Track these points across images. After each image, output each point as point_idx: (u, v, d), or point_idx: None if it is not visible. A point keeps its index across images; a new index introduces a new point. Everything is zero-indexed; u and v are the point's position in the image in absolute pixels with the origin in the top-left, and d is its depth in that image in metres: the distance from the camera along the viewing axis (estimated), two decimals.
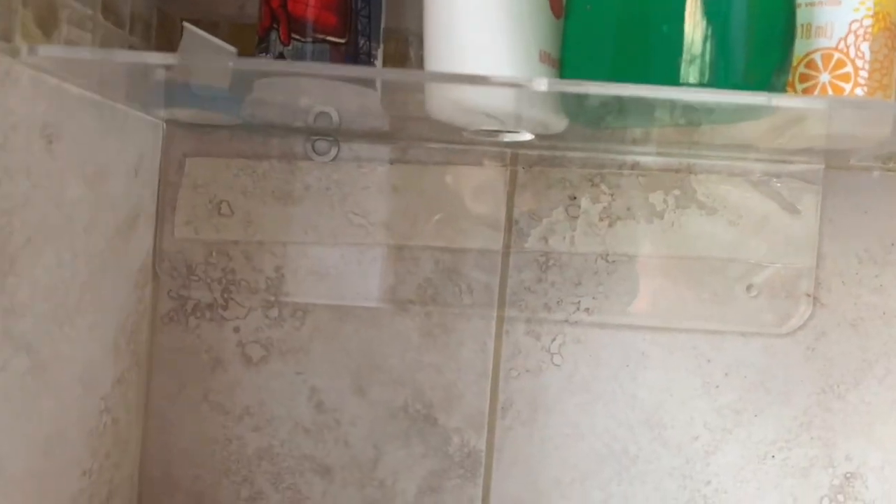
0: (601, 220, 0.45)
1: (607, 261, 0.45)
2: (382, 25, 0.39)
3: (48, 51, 0.29)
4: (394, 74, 0.38)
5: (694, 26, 0.30)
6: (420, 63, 0.34)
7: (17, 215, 0.31)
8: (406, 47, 0.44)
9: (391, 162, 0.44)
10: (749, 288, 0.44)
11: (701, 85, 0.29)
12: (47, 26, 0.31)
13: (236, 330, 0.45)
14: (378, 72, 0.37)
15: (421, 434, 0.45)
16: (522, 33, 0.33)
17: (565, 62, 0.34)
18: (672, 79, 0.30)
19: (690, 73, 0.30)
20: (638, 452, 0.45)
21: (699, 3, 0.30)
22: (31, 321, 0.32)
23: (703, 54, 0.30)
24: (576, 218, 0.45)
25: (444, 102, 0.34)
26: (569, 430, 0.45)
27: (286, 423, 0.45)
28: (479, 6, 0.32)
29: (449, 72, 0.32)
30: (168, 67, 0.39)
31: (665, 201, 0.44)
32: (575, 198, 0.44)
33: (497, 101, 0.34)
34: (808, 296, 0.44)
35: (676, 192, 0.44)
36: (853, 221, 0.44)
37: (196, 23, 0.44)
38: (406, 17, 0.42)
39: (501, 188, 0.44)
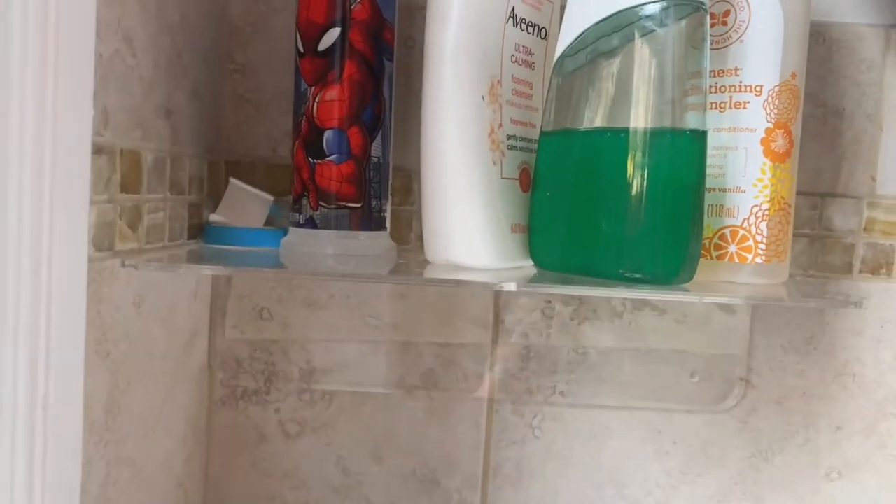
0: (572, 319, 0.54)
1: (577, 353, 0.54)
2: (390, 181, 0.48)
3: (144, 266, 0.39)
4: (394, 280, 0.48)
5: (622, 223, 0.39)
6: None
7: (121, 371, 0.41)
8: (410, 181, 0.53)
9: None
10: (692, 374, 0.54)
11: (632, 271, 0.39)
12: (134, 223, 0.41)
13: (277, 411, 0.55)
14: (384, 277, 0.47)
15: (427, 493, 0.55)
16: (496, 214, 0.42)
17: (532, 230, 0.43)
18: (612, 262, 0.40)
19: (623, 260, 0.39)
20: None
21: (626, 205, 0.39)
22: (131, 442, 0.43)
23: (631, 244, 0.39)
24: (551, 318, 0.54)
25: (440, 259, 0.44)
26: (548, 489, 0.55)
27: (318, 484, 0.56)
28: (463, 197, 0.41)
29: (437, 277, 0.41)
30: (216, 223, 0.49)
31: (624, 304, 0.54)
32: (550, 302, 0.54)
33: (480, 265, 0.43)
34: (742, 379, 0.54)
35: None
36: (779, 319, 0.54)
37: (236, 164, 0.54)
38: (409, 157, 0.51)
39: (489, 296, 0.54)
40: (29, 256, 0.31)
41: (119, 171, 0.39)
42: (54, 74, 0.32)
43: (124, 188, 0.40)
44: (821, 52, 0.52)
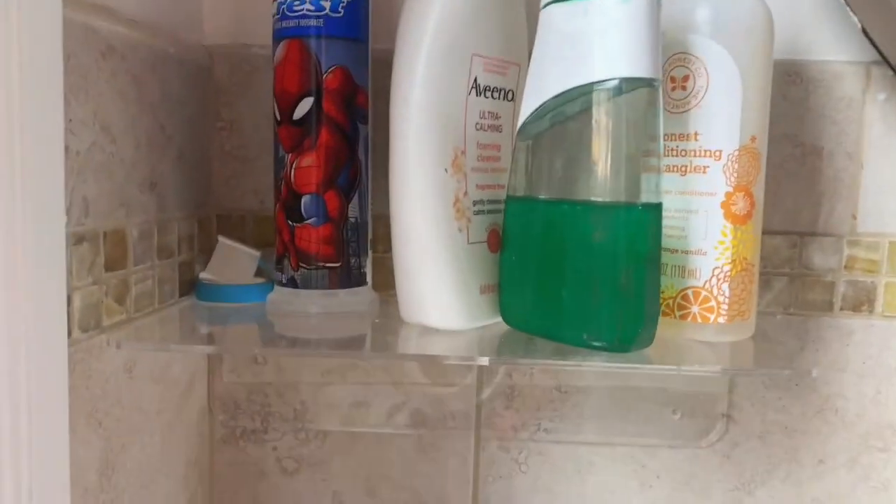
0: (550, 350, 0.56)
1: (560, 391, 0.56)
2: (369, 237, 0.50)
3: (129, 345, 0.41)
4: (373, 357, 0.51)
5: (581, 292, 0.40)
6: None
7: (114, 435, 0.44)
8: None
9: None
10: (674, 411, 0.56)
11: (592, 339, 0.40)
12: (122, 297, 0.44)
13: (274, 449, 0.58)
14: (364, 355, 0.49)
15: None
16: (464, 278, 0.44)
17: (501, 289, 0.45)
18: (574, 329, 0.41)
19: (583, 327, 0.40)
20: None
21: (584, 275, 0.40)
22: (128, 496, 0.46)
23: (589, 313, 0.40)
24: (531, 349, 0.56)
25: (413, 321, 0.46)
26: None
27: None
28: (430, 265, 0.43)
29: (411, 353, 0.43)
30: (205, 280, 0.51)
31: None
32: (532, 339, 0.55)
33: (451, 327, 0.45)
34: (723, 415, 0.55)
35: None
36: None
37: (227, 217, 0.56)
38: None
39: (473, 339, 0.56)
40: (7, 350, 0.34)
41: (103, 252, 0.42)
42: (21, 177, 0.34)
43: (109, 267, 0.42)
44: (798, 91, 0.52)
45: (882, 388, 0.54)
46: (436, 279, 0.43)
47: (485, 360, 0.41)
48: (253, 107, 0.55)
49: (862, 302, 0.53)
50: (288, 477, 0.58)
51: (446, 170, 0.42)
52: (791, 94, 0.52)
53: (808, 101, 0.52)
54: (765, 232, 0.53)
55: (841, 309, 0.54)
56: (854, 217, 0.53)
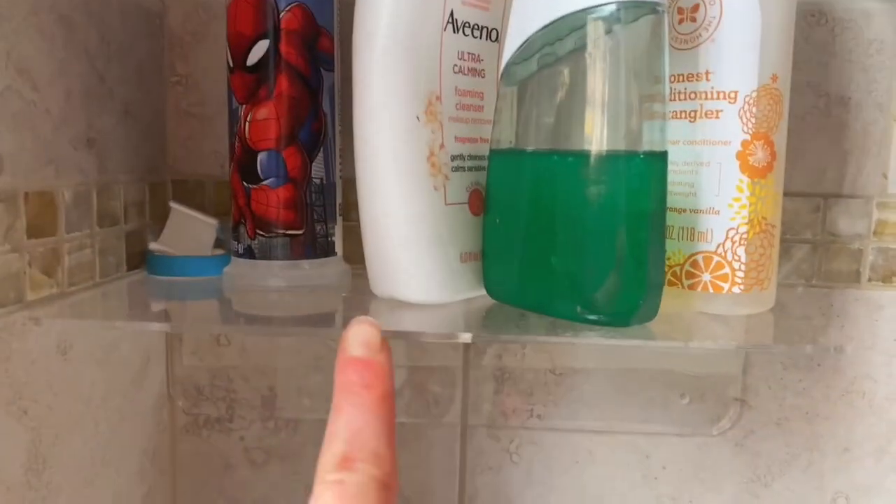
0: (540, 324, 0.50)
1: (555, 374, 0.50)
2: (339, 201, 0.44)
3: (53, 323, 0.36)
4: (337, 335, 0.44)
5: (573, 258, 0.34)
6: None
7: (45, 426, 0.38)
8: None
9: None
10: (682, 395, 0.50)
11: (588, 311, 0.34)
12: (51, 268, 0.38)
13: (242, 439, 0.53)
14: (327, 333, 0.43)
15: None
16: (442, 245, 0.38)
17: (484, 257, 0.39)
18: (567, 301, 0.35)
19: (577, 299, 0.35)
20: None
21: (577, 238, 0.34)
22: (65, 494, 0.40)
23: (583, 281, 0.34)
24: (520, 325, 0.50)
25: (385, 295, 0.40)
26: None
27: None
28: (403, 230, 0.37)
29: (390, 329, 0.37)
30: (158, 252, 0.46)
31: None
32: (524, 316, 0.50)
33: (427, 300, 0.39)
34: (737, 400, 0.50)
35: None
36: None
37: (183, 183, 0.50)
38: None
39: (459, 316, 0.50)
40: None
41: (24, 216, 0.36)
42: None
43: (33, 233, 0.37)
44: (823, 34, 0.46)
45: None
46: (409, 246, 0.37)
47: (467, 337, 0.35)
48: (211, 59, 0.50)
49: (893, 272, 0.48)
50: (257, 469, 0.53)
51: (418, 118, 0.36)
52: (814, 36, 0.46)
53: (833, 44, 0.46)
54: (784, 194, 0.47)
55: (869, 280, 0.48)
56: (885, 176, 0.47)
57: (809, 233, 0.48)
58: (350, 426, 0.23)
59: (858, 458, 0.50)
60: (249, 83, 0.41)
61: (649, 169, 0.33)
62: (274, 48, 0.41)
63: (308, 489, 0.51)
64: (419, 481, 0.52)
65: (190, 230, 0.47)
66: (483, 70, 0.40)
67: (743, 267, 0.37)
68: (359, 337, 0.26)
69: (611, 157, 0.33)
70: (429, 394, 0.51)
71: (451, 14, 0.37)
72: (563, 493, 0.51)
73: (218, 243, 0.48)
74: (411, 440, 0.52)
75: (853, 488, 0.50)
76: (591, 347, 0.50)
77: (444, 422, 0.51)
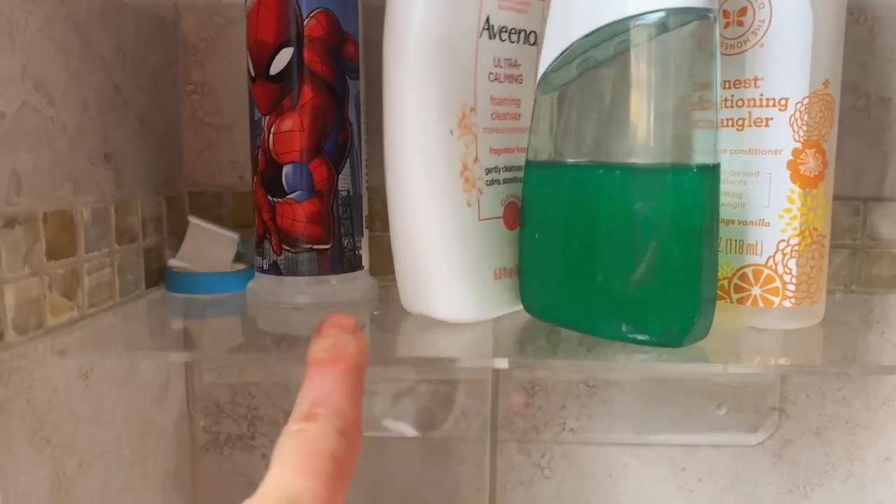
0: (580, 345, 0.49)
1: (588, 385, 0.49)
2: (365, 214, 0.43)
3: (77, 353, 0.34)
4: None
5: (619, 275, 0.33)
6: None
7: (68, 454, 0.37)
8: None
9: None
10: (719, 405, 0.49)
11: (635, 331, 0.33)
12: (71, 290, 0.37)
13: (263, 456, 0.51)
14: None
15: None
16: (475, 261, 0.36)
17: (521, 271, 0.38)
18: (611, 320, 0.34)
19: (623, 318, 0.33)
20: None
21: (623, 255, 0.33)
22: None
23: (630, 300, 0.33)
24: (557, 344, 0.49)
25: (416, 311, 0.39)
26: None
27: None
28: (435, 246, 0.36)
29: (422, 356, 0.36)
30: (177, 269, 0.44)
31: None
32: (558, 332, 0.49)
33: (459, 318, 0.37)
34: (775, 409, 0.48)
35: None
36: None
37: (200, 195, 0.49)
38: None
39: (488, 325, 0.49)
40: None
41: (44, 237, 0.35)
42: None
43: (53, 255, 0.35)
44: (862, 32, 0.45)
45: None
46: (441, 263, 0.36)
47: (503, 363, 0.34)
48: (227, 66, 0.48)
49: None
50: None
51: (452, 131, 0.34)
52: (854, 34, 0.45)
53: (873, 43, 0.45)
54: None
55: None
56: None
57: (849, 237, 0.46)
58: (317, 391, 0.24)
59: None
60: (272, 93, 0.39)
61: (702, 183, 0.32)
62: (297, 56, 0.39)
63: None
64: (448, 497, 0.51)
65: (209, 245, 0.46)
66: (521, 75, 0.38)
67: (794, 280, 0.35)
68: (330, 329, 0.26)
69: (660, 171, 0.32)
70: (458, 408, 0.50)
71: (488, 20, 0.36)
72: None
73: (238, 257, 0.46)
74: (440, 455, 0.50)
75: (894, 498, 0.49)
76: (637, 371, 0.48)
77: (473, 436, 0.50)
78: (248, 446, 0.51)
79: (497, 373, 0.49)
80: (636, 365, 0.32)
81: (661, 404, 0.49)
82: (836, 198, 0.46)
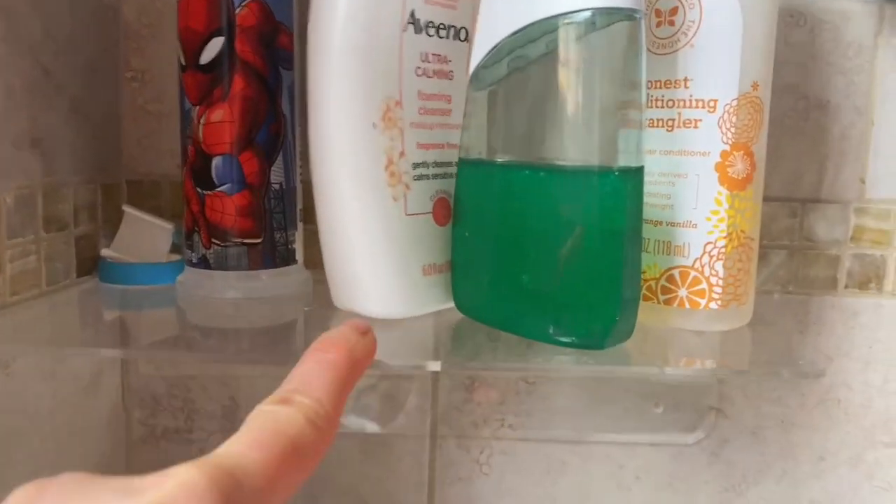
0: (519, 343, 0.49)
1: (527, 382, 0.49)
2: (299, 206, 0.42)
3: None
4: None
5: (543, 277, 0.33)
6: None
7: None
8: None
9: None
10: (657, 404, 0.49)
11: (560, 333, 0.33)
12: None
13: (201, 451, 0.50)
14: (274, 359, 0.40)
15: None
16: (402, 257, 0.36)
17: (454, 269, 0.37)
18: (538, 322, 0.34)
19: (548, 320, 0.33)
20: None
21: (546, 256, 0.32)
22: None
23: (554, 302, 0.33)
24: (496, 340, 0.49)
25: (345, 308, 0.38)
26: None
27: None
28: (360, 242, 0.35)
29: None
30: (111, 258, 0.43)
31: None
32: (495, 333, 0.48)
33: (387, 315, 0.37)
34: (712, 409, 0.49)
35: None
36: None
37: (139, 184, 0.48)
38: None
39: (429, 322, 0.49)
40: None
41: None
42: None
43: None
44: (801, 35, 0.45)
45: (890, 377, 0.48)
46: (366, 258, 0.35)
47: (436, 366, 0.34)
48: (170, 53, 0.46)
49: (869, 279, 0.47)
50: None
51: (375, 125, 0.34)
52: (793, 37, 0.45)
53: (812, 46, 0.45)
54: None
55: (846, 287, 0.47)
56: (862, 181, 0.46)
57: (787, 238, 0.46)
58: (301, 377, 0.23)
59: (833, 466, 0.49)
60: (203, 83, 0.39)
61: (624, 186, 0.32)
62: (229, 46, 0.38)
63: None
64: (387, 493, 0.50)
65: (145, 235, 0.45)
66: (451, 71, 0.38)
67: (720, 282, 0.35)
68: (343, 326, 0.26)
69: (583, 173, 0.32)
70: (397, 403, 0.49)
71: (413, 14, 0.35)
72: None
73: (176, 248, 0.46)
74: (379, 451, 0.50)
75: (827, 497, 0.49)
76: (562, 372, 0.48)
77: (412, 432, 0.50)
78: (184, 440, 0.51)
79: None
80: (556, 367, 0.32)
81: (599, 402, 0.49)
82: (773, 199, 0.46)
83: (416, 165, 0.36)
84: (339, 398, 0.23)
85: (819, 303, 0.47)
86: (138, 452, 0.51)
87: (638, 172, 0.32)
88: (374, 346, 0.26)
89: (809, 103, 0.45)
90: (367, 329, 0.26)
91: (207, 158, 0.39)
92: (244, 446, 0.21)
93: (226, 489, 0.19)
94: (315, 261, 0.43)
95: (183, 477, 0.19)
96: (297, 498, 0.51)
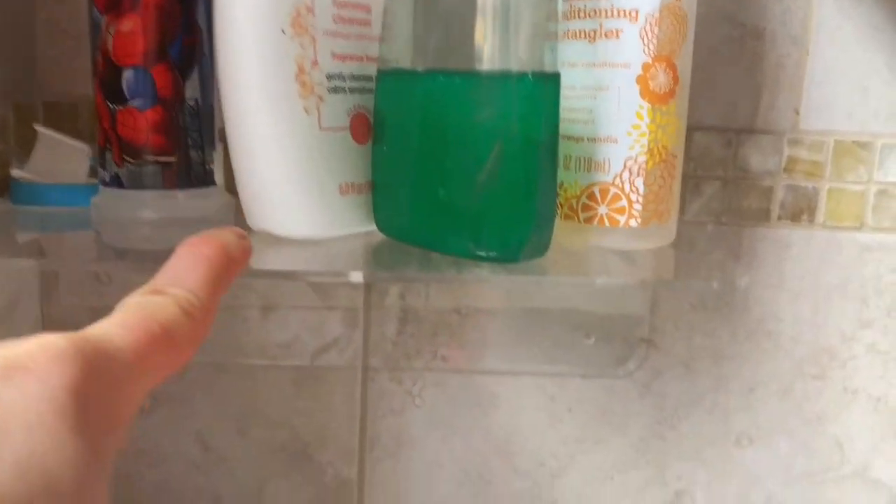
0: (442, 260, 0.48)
1: (460, 314, 0.48)
2: (219, 127, 0.41)
3: None
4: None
5: (460, 189, 0.32)
6: None
7: None
8: None
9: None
10: (588, 335, 0.49)
11: (477, 247, 0.32)
12: None
13: None
14: None
15: (299, 468, 0.50)
16: (316, 174, 0.35)
17: (374, 188, 0.36)
18: (456, 237, 0.33)
19: (466, 235, 0.32)
20: (491, 478, 0.50)
21: (462, 168, 0.32)
22: None
23: (470, 215, 0.32)
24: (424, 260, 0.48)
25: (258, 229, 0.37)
26: (431, 460, 0.50)
27: (178, 460, 0.50)
28: (270, 156, 0.34)
29: (268, 269, 0.34)
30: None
31: None
32: (418, 253, 0.48)
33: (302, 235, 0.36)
34: (644, 340, 0.49)
35: None
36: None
37: (55, 105, 0.46)
38: None
39: (358, 253, 0.48)
40: None
41: None
42: None
43: None
44: None
45: (820, 309, 0.48)
46: (279, 175, 0.34)
47: (358, 277, 0.33)
48: None
49: (802, 210, 0.47)
50: (143, 415, 0.50)
51: (284, 30, 0.32)
52: None
53: None
54: (696, 128, 0.46)
55: (779, 218, 0.47)
56: (797, 112, 0.46)
57: (720, 169, 0.46)
58: (174, 270, 0.23)
59: (763, 398, 0.49)
60: None
61: (540, 91, 0.31)
62: None
63: (199, 435, 0.48)
64: (319, 425, 0.50)
65: (60, 156, 0.43)
66: None
67: (641, 199, 0.35)
68: (219, 229, 0.25)
69: (498, 78, 0.31)
70: (328, 336, 0.49)
71: None
72: (467, 436, 0.50)
73: (94, 171, 0.44)
74: (310, 383, 0.49)
75: (757, 428, 0.50)
76: (497, 287, 0.48)
77: (344, 364, 0.49)
78: None
79: (369, 300, 0.48)
80: (469, 277, 0.32)
81: (531, 334, 0.48)
82: (707, 128, 0.46)
83: (330, 77, 0.35)
84: (213, 291, 0.23)
85: (751, 234, 0.47)
86: None
87: (554, 79, 0.31)
88: (250, 249, 0.25)
89: (746, 31, 0.45)
90: (243, 234, 0.25)
91: (118, 70, 0.37)
92: (114, 325, 0.21)
93: (90, 355, 0.19)
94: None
95: (46, 339, 0.19)
96: (226, 430, 0.51)
